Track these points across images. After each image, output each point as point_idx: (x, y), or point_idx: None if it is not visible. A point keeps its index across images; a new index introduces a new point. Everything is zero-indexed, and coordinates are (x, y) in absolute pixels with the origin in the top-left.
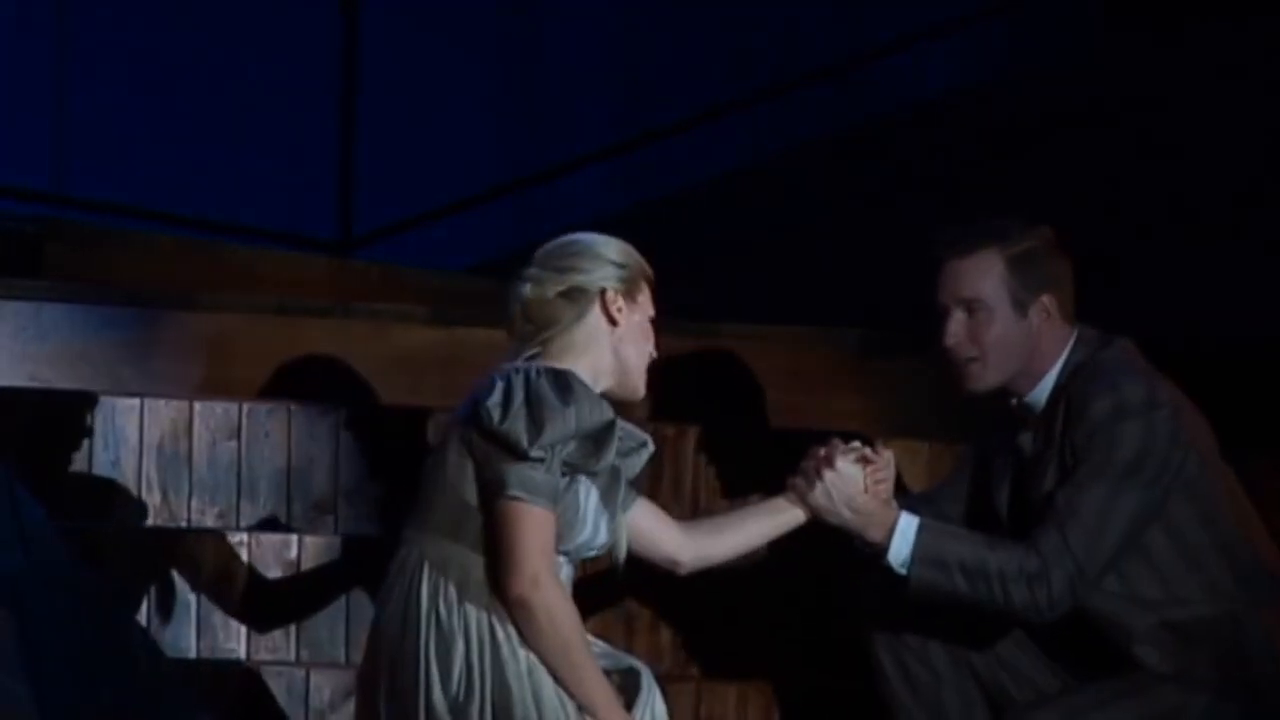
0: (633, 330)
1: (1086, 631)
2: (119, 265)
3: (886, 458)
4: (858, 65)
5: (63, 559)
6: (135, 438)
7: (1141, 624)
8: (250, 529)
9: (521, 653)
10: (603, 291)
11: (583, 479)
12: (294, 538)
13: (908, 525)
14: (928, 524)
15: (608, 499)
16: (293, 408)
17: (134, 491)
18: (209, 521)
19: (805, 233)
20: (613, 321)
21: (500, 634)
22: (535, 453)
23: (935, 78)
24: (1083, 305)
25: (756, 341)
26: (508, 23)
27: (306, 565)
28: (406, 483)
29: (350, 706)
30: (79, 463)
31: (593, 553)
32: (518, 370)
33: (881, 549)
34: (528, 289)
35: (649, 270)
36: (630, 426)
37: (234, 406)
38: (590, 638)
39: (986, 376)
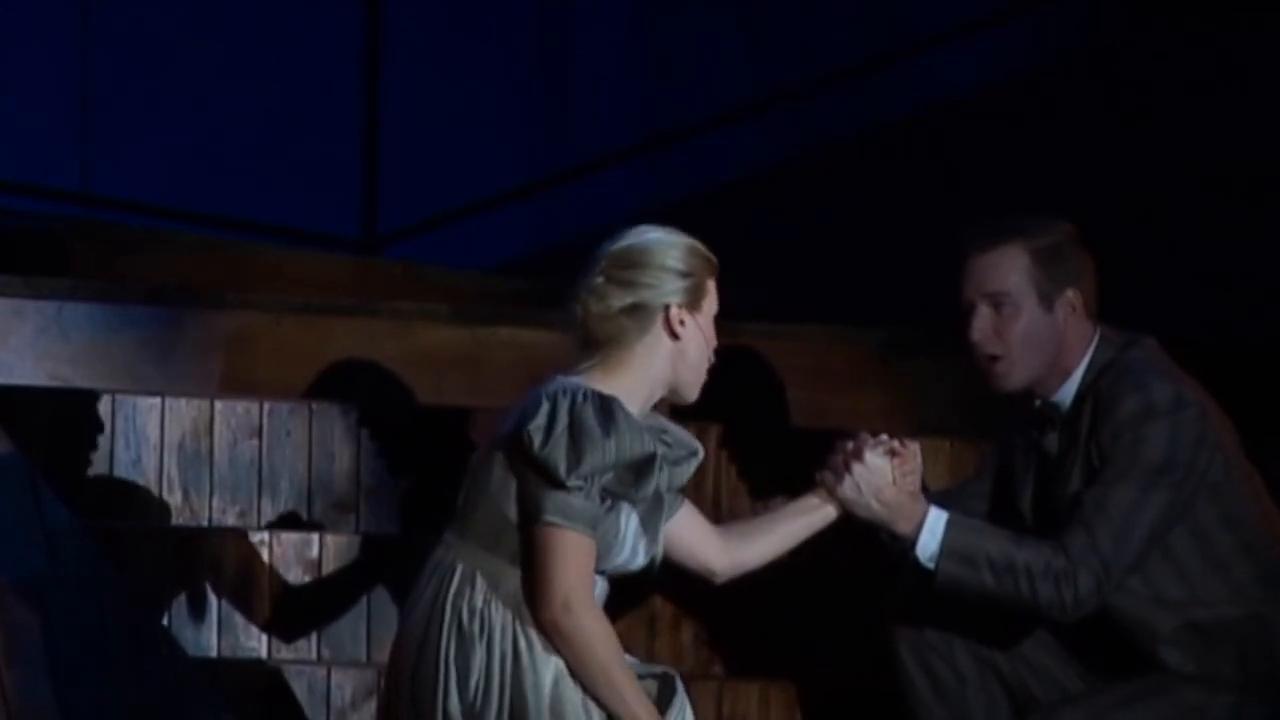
0: (693, 340)
1: (1110, 632)
2: (143, 264)
3: (914, 451)
4: (883, 63)
5: (86, 559)
6: (156, 437)
7: (1165, 624)
8: (271, 528)
9: (551, 660)
10: (666, 308)
11: (624, 503)
12: (315, 537)
13: (936, 519)
14: (956, 519)
15: (649, 522)
16: (314, 406)
17: (155, 490)
18: (230, 520)
19: (829, 231)
20: (675, 336)
21: (523, 644)
22: (573, 482)
23: (960, 75)
24: (1101, 302)
25: (779, 340)
26: (532, 22)
27: (328, 564)
28: (428, 482)
29: (371, 705)
30: (100, 462)
31: (630, 572)
32: (565, 392)
33: (910, 543)
34: (592, 301)
35: (715, 264)
36: (681, 433)
37: (255, 405)
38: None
39: (1013, 374)
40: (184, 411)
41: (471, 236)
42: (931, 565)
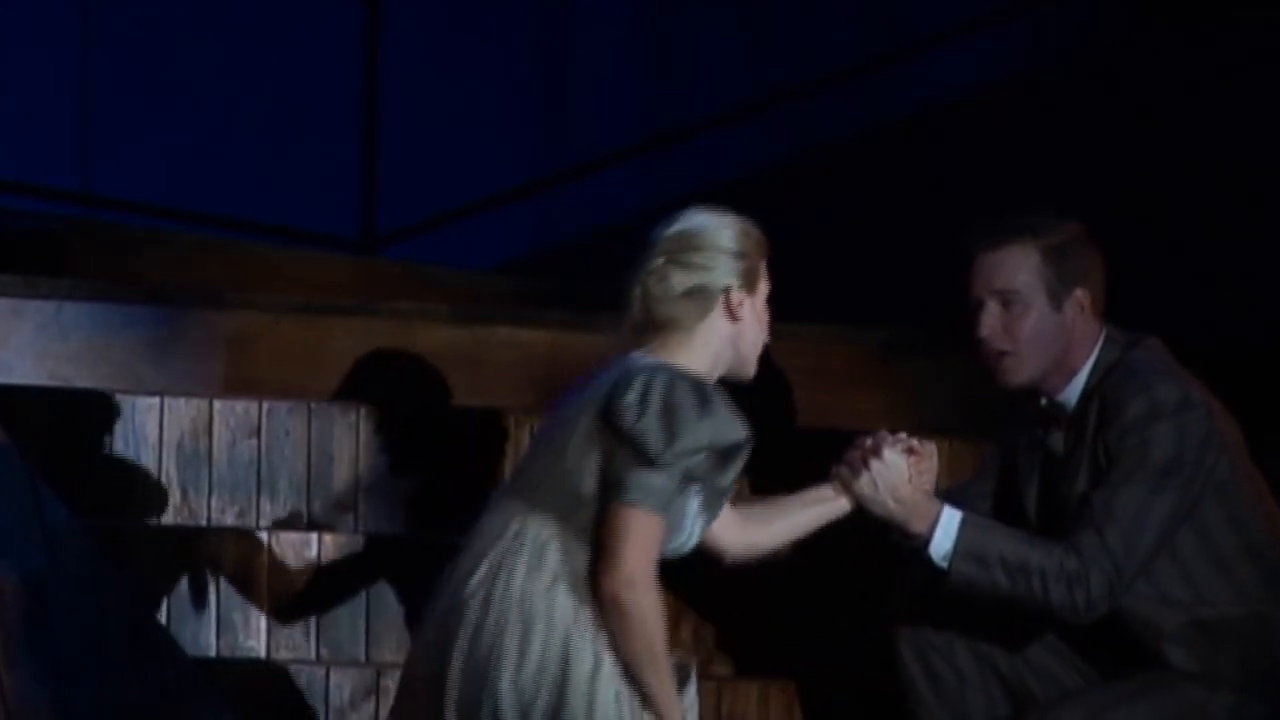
0: (751, 322)
1: (1114, 631)
2: (142, 264)
3: (931, 450)
4: (883, 63)
5: (86, 559)
6: (155, 436)
7: (1170, 623)
8: (270, 527)
9: (589, 649)
10: (726, 290)
11: (695, 485)
12: (314, 536)
13: (950, 519)
14: (970, 518)
15: (709, 505)
16: (313, 406)
17: (154, 490)
18: (229, 520)
19: (829, 231)
20: (734, 318)
21: (577, 628)
22: (664, 460)
23: (960, 75)
24: (1107, 303)
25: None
26: (532, 22)
27: (327, 564)
28: (427, 481)
29: (370, 705)
30: (99, 461)
31: (680, 554)
32: (657, 370)
33: (923, 541)
34: (653, 283)
35: (767, 246)
36: None
37: (254, 405)
38: None
39: (1021, 370)
40: (183, 411)
41: (471, 236)
42: (945, 565)
